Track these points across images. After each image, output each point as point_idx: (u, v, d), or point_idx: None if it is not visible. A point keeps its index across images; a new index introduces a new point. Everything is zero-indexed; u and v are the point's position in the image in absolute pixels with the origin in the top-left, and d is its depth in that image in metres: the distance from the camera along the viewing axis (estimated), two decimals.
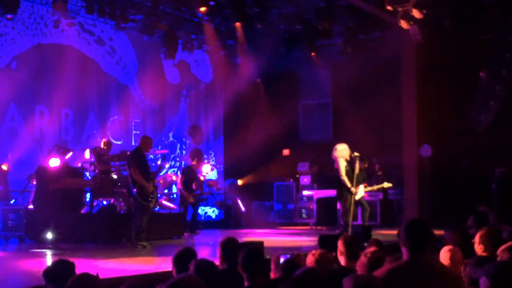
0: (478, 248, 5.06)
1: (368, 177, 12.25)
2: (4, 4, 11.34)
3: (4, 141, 12.46)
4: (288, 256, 4.63)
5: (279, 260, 4.66)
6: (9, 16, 11.69)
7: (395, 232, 9.27)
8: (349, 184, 10.38)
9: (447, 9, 13.00)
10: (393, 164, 14.96)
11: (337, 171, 10.54)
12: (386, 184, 11.51)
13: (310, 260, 4.58)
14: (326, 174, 13.65)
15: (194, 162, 12.89)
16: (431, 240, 3.67)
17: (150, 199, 9.71)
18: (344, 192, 10.49)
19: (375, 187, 11.55)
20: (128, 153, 10.72)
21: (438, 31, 13.54)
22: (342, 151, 10.54)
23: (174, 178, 13.83)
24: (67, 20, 13.51)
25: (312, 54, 15.39)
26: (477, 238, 5.09)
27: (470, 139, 13.83)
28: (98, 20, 13.83)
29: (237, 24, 13.07)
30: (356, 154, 10.46)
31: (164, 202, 13.33)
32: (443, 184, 13.97)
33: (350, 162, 10.51)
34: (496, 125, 13.59)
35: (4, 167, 11.55)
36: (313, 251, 4.70)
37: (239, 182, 16.60)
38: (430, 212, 13.61)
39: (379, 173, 14.74)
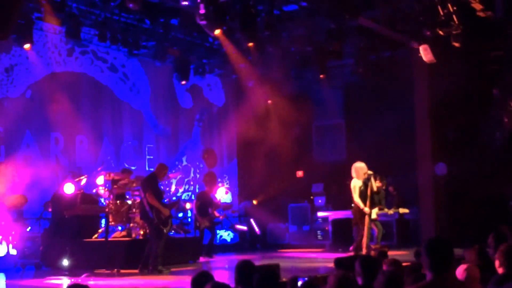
0: (498, 266, 4.99)
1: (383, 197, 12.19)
2: (18, 35, 11.52)
3: (20, 168, 12.55)
4: (305, 279, 4.60)
5: (296, 283, 4.63)
6: (26, 46, 11.87)
7: (411, 252, 9.15)
8: (362, 205, 10.29)
9: (458, 28, 13.01)
10: (408, 184, 14.86)
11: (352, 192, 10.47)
12: (401, 210, 11.43)
13: (331, 281, 4.53)
14: (341, 195, 13.58)
15: (208, 186, 12.90)
16: (454, 260, 3.60)
17: (164, 224, 9.73)
18: (360, 215, 10.40)
19: (390, 211, 11.46)
20: (143, 178, 10.78)
21: (449, 50, 13.54)
22: (360, 170, 10.46)
23: (188, 205, 13.80)
24: (80, 48, 13.71)
25: (324, 75, 15.41)
26: (496, 256, 5.03)
27: (486, 157, 13.72)
28: (110, 48, 13.98)
29: (250, 44, 13.10)
30: (370, 172, 10.38)
31: (180, 226, 13.31)
32: (459, 203, 13.84)
33: (365, 181, 10.43)
34: (511, 142, 13.48)
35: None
36: (334, 273, 4.66)
37: (254, 202, 16.57)
38: (447, 231, 13.47)
39: (394, 193, 14.64)
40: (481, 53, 13.86)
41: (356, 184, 10.39)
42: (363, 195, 10.33)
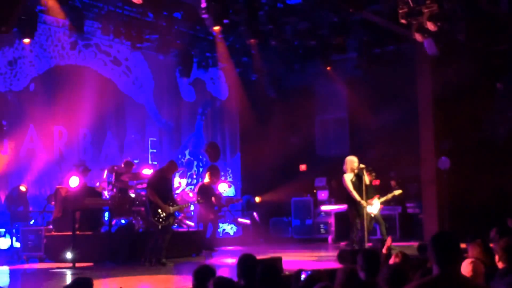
0: (499, 261, 4.99)
1: (384, 191, 12.17)
2: (22, 29, 11.52)
3: (24, 162, 12.58)
4: (309, 272, 4.60)
5: (300, 276, 4.63)
6: (26, 40, 11.88)
7: (414, 245, 9.12)
8: (358, 198, 10.25)
9: (462, 21, 12.96)
10: (411, 178, 14.85)
11: (345, 185, 10.46)
12: (396, 192, 11.39)
13: (340, 275, 4.53)
14: (344, 189, 13.57)
15: (210, 179, 12.89)
16: (461, 254, 3.59)
17: (161, 219, 9.65)
18: (351, 207, 10.39)
19: (388, 196, 11.37)
20: (151, 173, 10.81)
21: (453, 43, 13.49)
22: (349, 163, 10.45)
23: (190, 194, 13.83)
24: (83, 41, 13.71)
25: (328, 69, 15.39)
26: (498, 250, 5.03)
27: (489, 151, 13.69)
28: (114, 41, 13.98)
29: (252, 41, 13.09)
30: (362, 166, 10.35)
31: (182, 220, 13.34)
32: (462, 197, 13.81)
33: (357, 175, 10.41)
34: None
35: (23, 188, 11.65)
36: (343, 267, 4.66)
37: (257, 199, 16.58)
38: (450, 225, 13.46)
39: (396, 187, 14.59)
40: (486, 47, 13.79)
41: (347, 178, 10.35)
42: (356, 188, 10.29)
